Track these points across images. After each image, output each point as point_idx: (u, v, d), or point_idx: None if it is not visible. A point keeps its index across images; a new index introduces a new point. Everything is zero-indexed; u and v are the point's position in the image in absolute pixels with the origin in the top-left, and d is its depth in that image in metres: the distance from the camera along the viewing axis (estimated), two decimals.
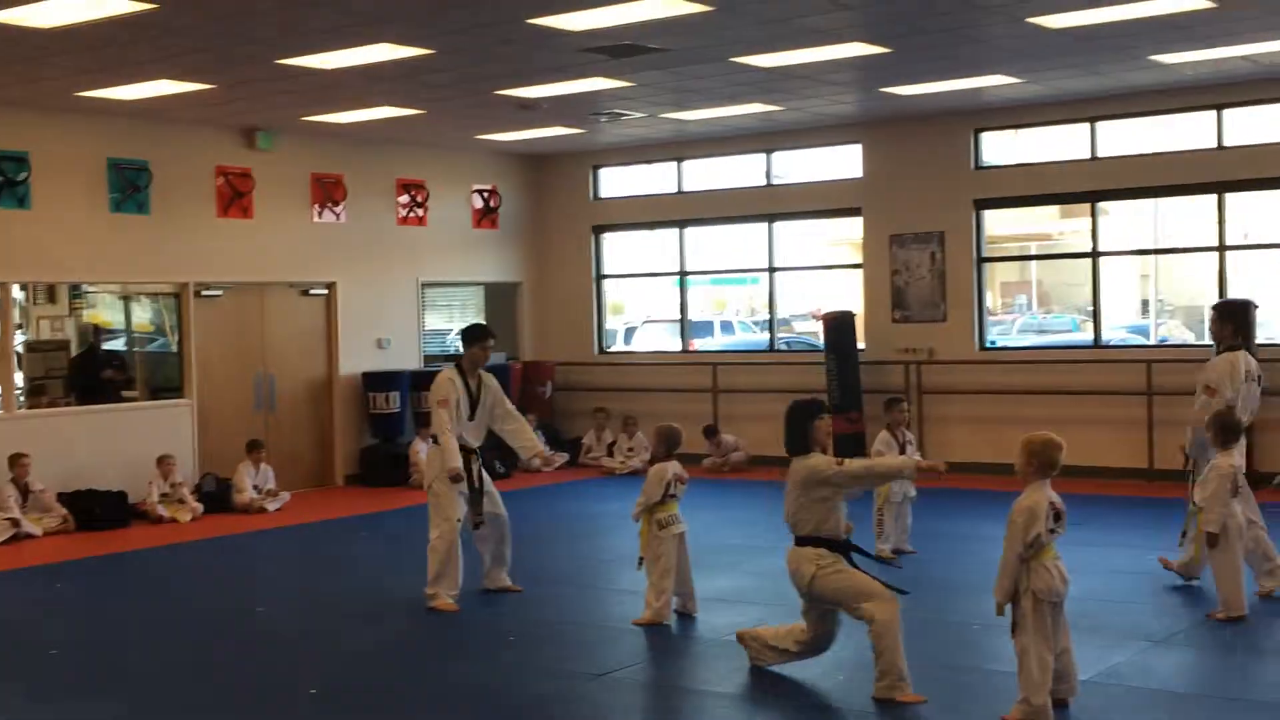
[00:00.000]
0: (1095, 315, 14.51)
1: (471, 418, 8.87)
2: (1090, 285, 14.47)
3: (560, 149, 16.85)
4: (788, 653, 6.81)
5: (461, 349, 9.12)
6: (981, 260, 14.91)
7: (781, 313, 17.01)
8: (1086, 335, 14.97)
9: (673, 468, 8.21)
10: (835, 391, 14.88)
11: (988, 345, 14.96)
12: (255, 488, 13.48)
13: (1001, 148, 14.93)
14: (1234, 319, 9.02)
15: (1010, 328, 18.85)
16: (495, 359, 16.68)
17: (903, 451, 9.86)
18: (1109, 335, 14.84)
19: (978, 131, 14.72)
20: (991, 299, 16.60)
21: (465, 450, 8.71)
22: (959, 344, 14.76)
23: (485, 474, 8.90)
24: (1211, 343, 9.41)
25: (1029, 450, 6.13)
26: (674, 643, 7.81)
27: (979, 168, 14.78)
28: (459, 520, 8.66)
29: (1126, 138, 14.12)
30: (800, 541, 6.64)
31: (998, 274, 17.69)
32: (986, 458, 13.70)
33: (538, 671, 7.21)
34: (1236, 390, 8.82)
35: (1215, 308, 9.33)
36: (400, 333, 15.97)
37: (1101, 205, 14.52)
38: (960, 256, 14.80)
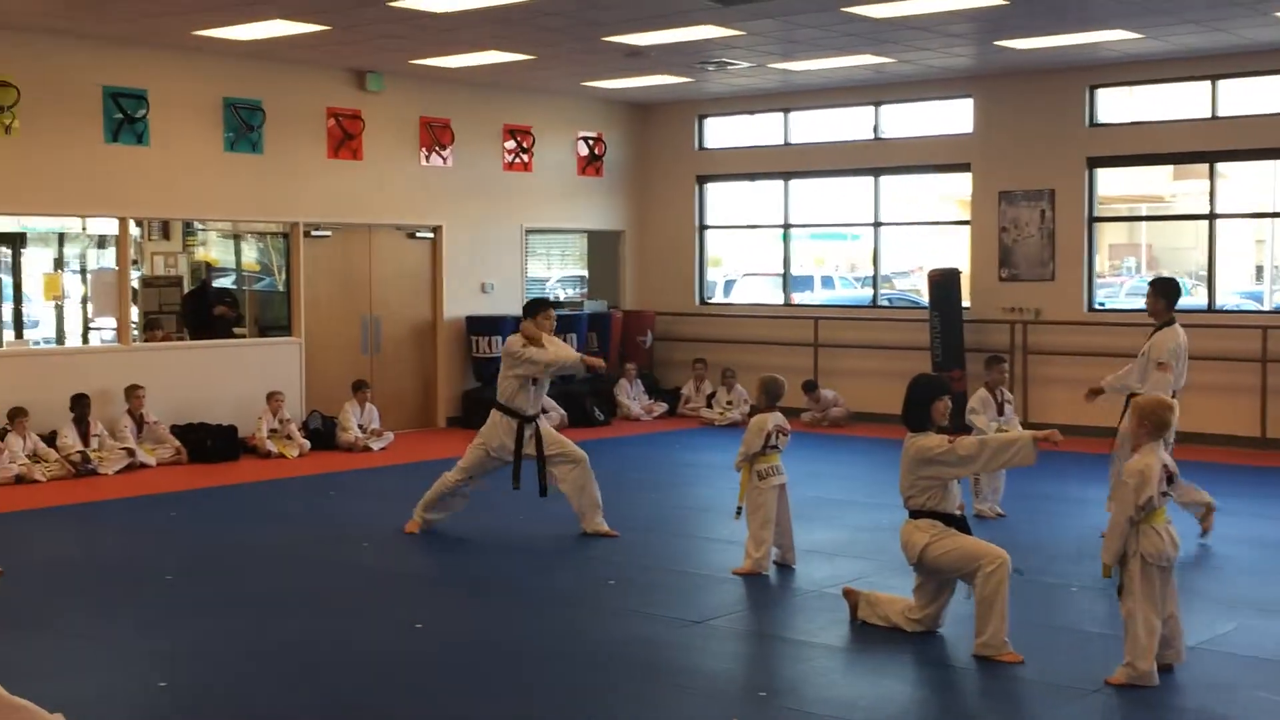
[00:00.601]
0: (1210, 279, 14.20)
1: (535, 382, 9.09)
2: (1205, 249, 14.15)
3: (666, 98, 16.80)
4: (895, 627, 6.78)
5: (523, 319, 9.26)
6: (1093, 220, 14.65)
7: (885, 269, 16.86)
8: (1199, 300, 14.66)
9: (774, 419, 8.21)
10: (938, 349, 14.76)
11: (1095, 306, 14.72)
12: (360, 427, 13.71)
13: (1117, 105, 14.62)
14: (1170, 294, 9.09)
15: (1118, 290, 18.52)
16: (596, 306, 16.90)
17: (1000, 411, 9.80)
18: (1223, 300, 14.52)
19: (1093, 88, 14.42)
20: (1100, 261, 16.31)
21: (520, 417, 9.05)
22: (1067, 305, 14.54)
23: (542, 438, 9.13)
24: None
25: (1140, 412, 6.06)
26: (773, 593, 7.84)
27: (1093, 125, 14.49)
28: (474, 480, 9.27)
29: (1247, 97, 13.75)
30: (914, 515, 6.64)
31: (1106, 235, 17.35)
32: (1089, 420, 13.50)
33: (637, 616, 7.27)
34: (1183, 367, 8.89)
35: (1153, 284, 9.31)
36: (504, 278, 16.08)
37: (1219, 167, 14.17)
38: (1071, 215, 14.55)
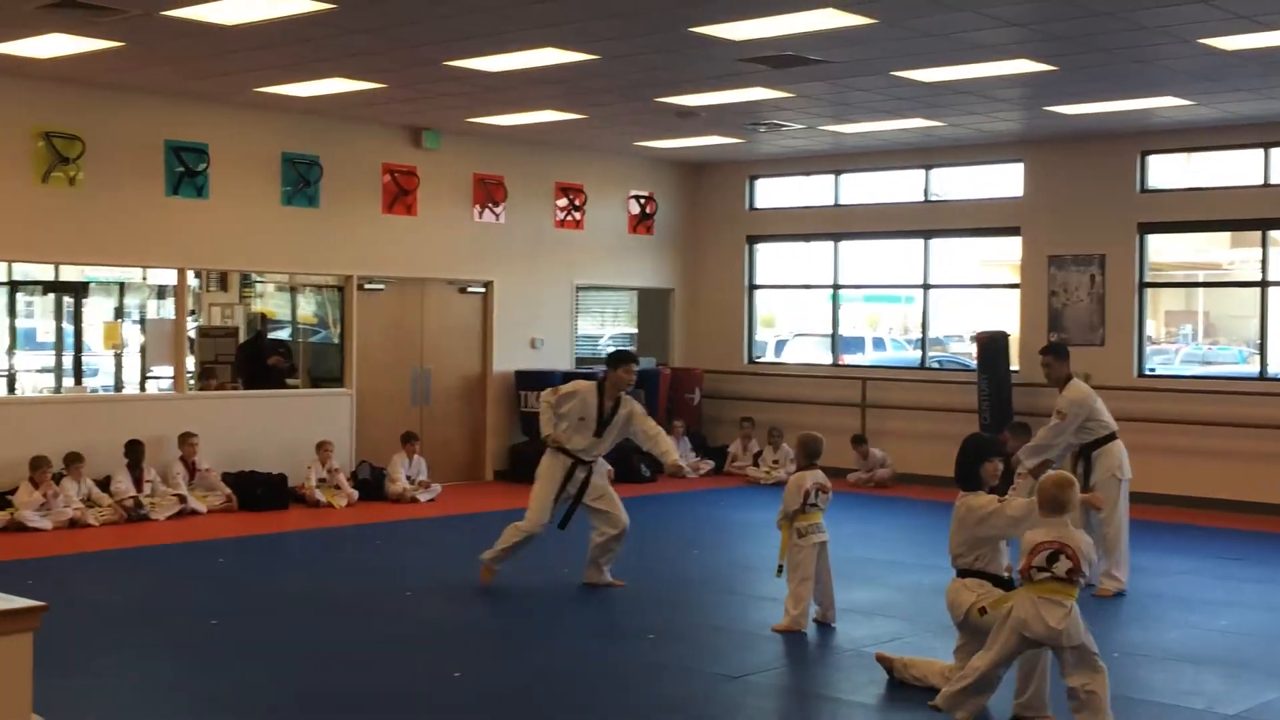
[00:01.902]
0: (1262, 347, 14.11)
1: (598, 434, 9.18)
2: (1258, 316, 14.08)
3: (717, 158, 16.96)
4: (934, 689, 6.76)
5: (606, 371, 9.32)
6: (1143, 285, 14.60)
7: (935, 331, 16.87)
8: (1253, 368, 14.56)
9: (813, 477, 8.25)
10: (986, 412, 14.72)
11: (1146, 372, 14.64)
12: (408, 478, 13.83)
13: (1169, 171, 14.61)
14: (1062, 354, 9.77)
15: (1173, 357, 18.40)
16: (645, 364, 16.99)
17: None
18: (1276, 369, 14.41)
19: (1144, 154, 14.43)
20: (1155, 327, 16.25)
21: (576, 459, 9.13)
22: (1117, 370, 14.47)
23: (592, 485, 9.21)
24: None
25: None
26: (812, 651, 7.84)
27: (1144, 190, 14.49)
28: (544, 523, 9.20)
29: None
30: (962, 574, 6.65)
31: (1162, 302, 17.28)
32: (1136, 487, 13.38)
33: (676, 670, 7.30)
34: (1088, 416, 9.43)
35: (1043, 351, 9.95)
36: (553, 334, 16.23)
37: (1272, 234, 14.11)
38: (1121, 281, 14.52)
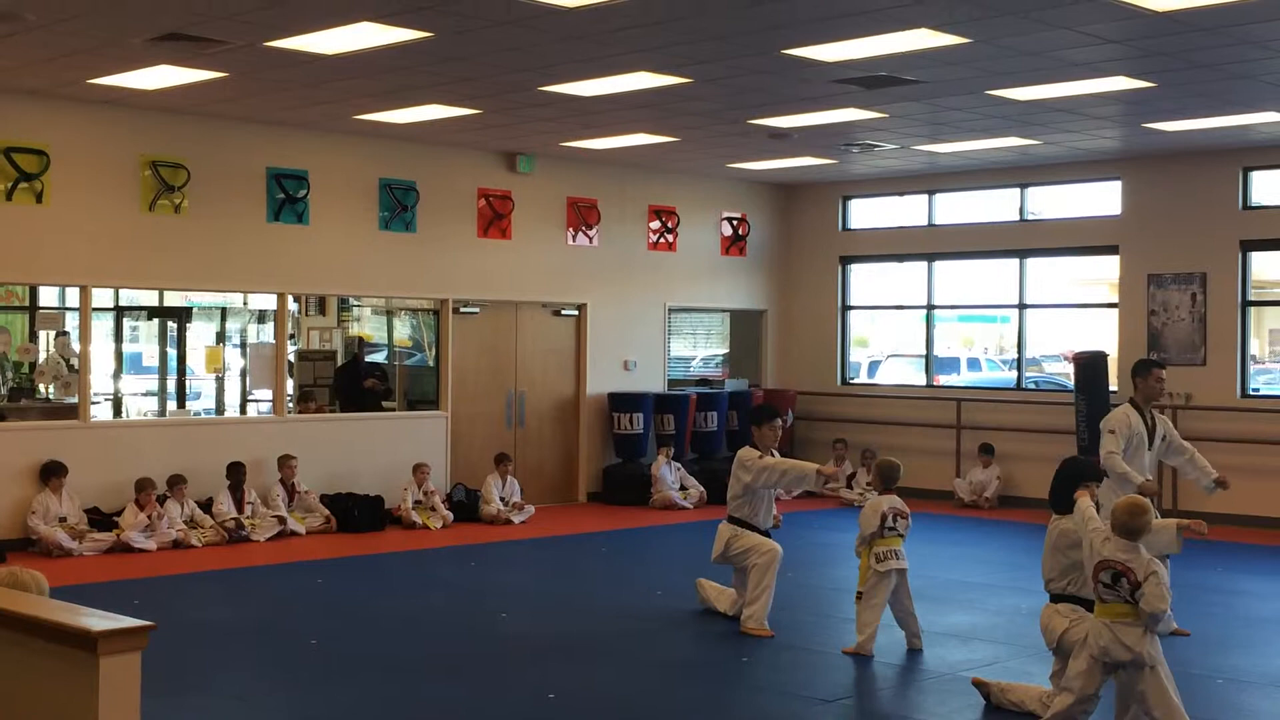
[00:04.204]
0: None
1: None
2: None
3: (810, 179, 16.93)
4: (1033, 715, 6.67)
5: (752, 425, 9.09)
6: (1247, 304, 14.33)
7: (1031, 351, 16.67)
8: None
9: (889, 501, 8.22)
10: (1084, 433, 14.48)
11: (1250, 392, 14.34)
12: (502, 499, 13.95)
13: (1272, 187, 14.32)
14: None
15: (1278, 377, 17.98)
16: (737, 385, 16.98)
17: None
18: None
19: (1246, 169, 14.17)
20: (1259, 346, 15.91)
21: (749, 527, 8.89)
22: (1219, 390, 14.20)
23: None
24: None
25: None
26: (904, 675, 7.78)
27: (1247, 207, 14.22)
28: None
29: None
30: (1055, 599, 6.57)
31: (1265, 319, 16.91)
32: (1241, 509, 13.14)
33: (771, 693, 7.28)
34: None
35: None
36: (646, 356, 16.28)
37: None
38: (1223, 299, 14.26)
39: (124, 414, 15.51)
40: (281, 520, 12.56)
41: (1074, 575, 6.51)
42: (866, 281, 17.63)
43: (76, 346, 12.63)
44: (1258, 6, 8.35)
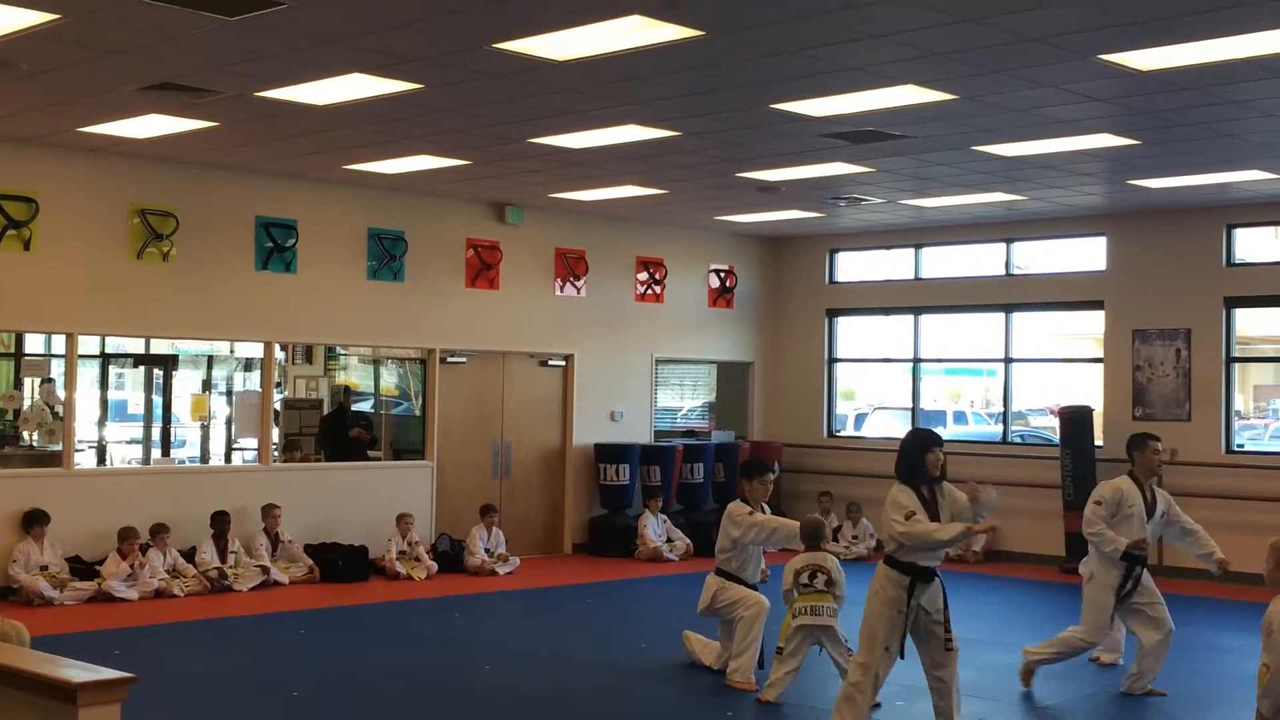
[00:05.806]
0: None
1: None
2: None
3: (797, 231, 17.01)
4: None
5: (741, 479, 9.19)
6: (1231, 360, 14.39)
7: (1017, 405, 16.71)
8: None
9: (806, 559, 8.43)
10: (1070, 488, 14.52)
11: (1235, 448, 14.38)
12: (487, 550, 13.89)
13: (1256, 244, 14.43)
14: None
15: (1263, 433, 18.04)
16: (723, 437, 16.98)
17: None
18: None
19: (1230, 227, 14.28)
20: (1243, 401, 15.98)
21: (738, 580, 8.89)
22: (1204, 445, 14.23)
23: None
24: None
25: (1276, 553, 5.92)
26: None
27: (1231, 264, 14.32)
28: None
29: None
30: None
31: (1250, 375, 16.99)
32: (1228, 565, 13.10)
33: None
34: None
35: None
36: (633, 407, 16.29)
37: None
38: (1208, 355, 14.32)
39: (108, 461, 15.45)
40: (265, 570, 12.48)
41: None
42: (853, 334, 17.68)
43: (61, 394, 12.60)
44: (1240, 67, 8.44)
